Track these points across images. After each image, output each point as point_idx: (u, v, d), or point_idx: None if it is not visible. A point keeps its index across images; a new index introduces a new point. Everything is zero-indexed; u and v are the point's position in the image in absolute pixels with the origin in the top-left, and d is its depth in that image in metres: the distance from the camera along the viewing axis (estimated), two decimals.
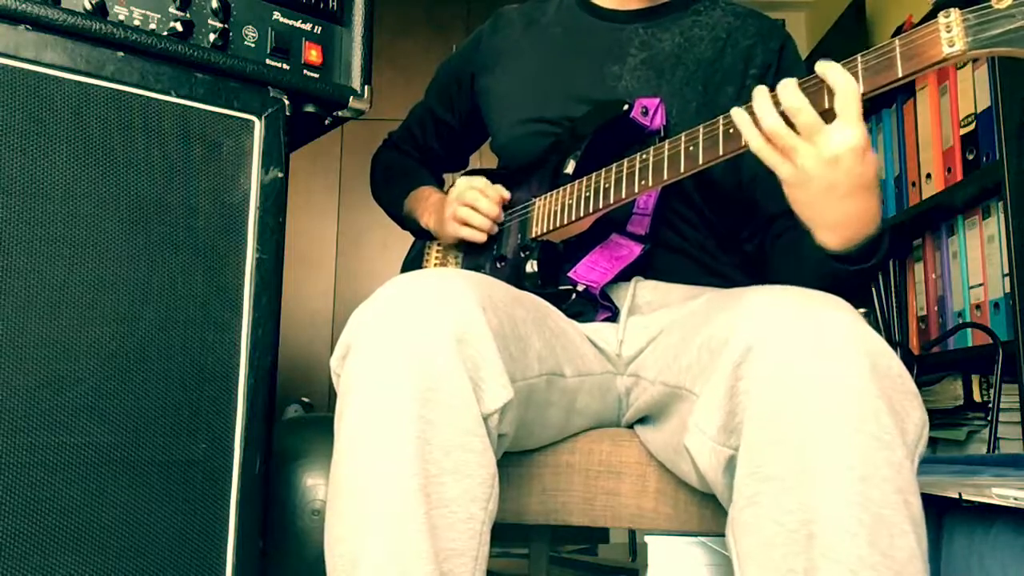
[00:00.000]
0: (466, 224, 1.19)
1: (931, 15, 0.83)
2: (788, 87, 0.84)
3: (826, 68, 0.83)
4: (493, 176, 1.27)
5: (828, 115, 0.83)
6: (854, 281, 0.92)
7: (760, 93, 0.86)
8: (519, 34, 1.29)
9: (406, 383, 0.76)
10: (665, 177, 0.98)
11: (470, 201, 1.18)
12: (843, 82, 0.81)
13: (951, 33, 0.78)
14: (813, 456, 0.71)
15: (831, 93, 0.82)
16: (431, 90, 1.43)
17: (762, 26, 1.19)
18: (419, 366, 0.77)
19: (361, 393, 0.78)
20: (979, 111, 1.78)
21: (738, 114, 0.88)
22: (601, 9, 1.25)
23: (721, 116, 0.93)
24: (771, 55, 1.16)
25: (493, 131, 1.30)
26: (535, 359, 0.91)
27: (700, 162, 0.94)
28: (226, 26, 0.99)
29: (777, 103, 0.85)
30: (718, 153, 0.92)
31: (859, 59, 0.83)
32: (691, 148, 0.95)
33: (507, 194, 1.19)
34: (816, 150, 0.83)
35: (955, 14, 0.78)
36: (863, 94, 0.82)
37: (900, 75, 0.80)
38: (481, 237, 1.19)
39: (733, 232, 1.17)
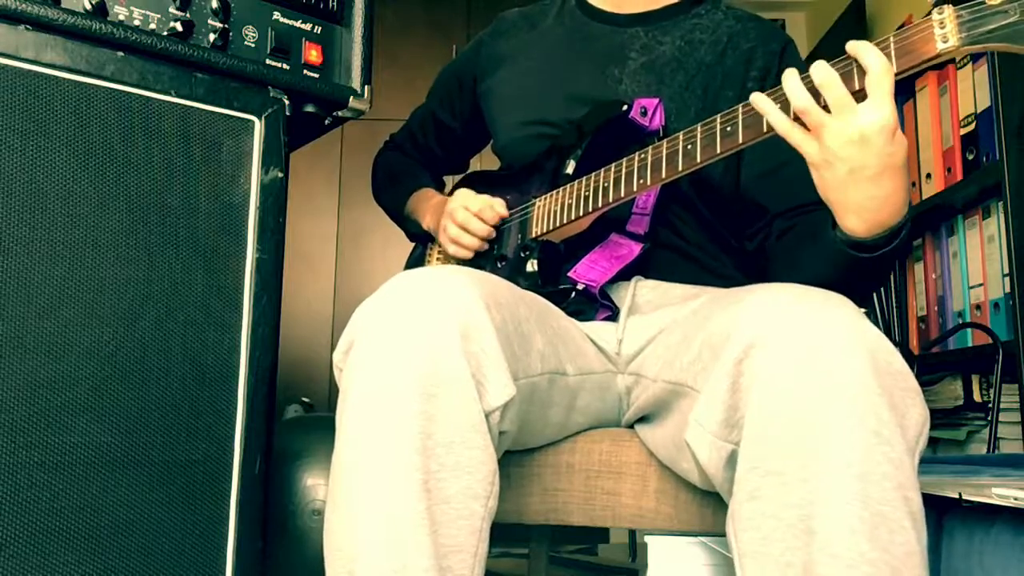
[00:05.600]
0: (455, 242, 1.20)
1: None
2: (820, 65, 0.82)
3: (858, 48, 0.81)
4: (494, 177, 1.27)
5: (857, 96, 0.82)
6: (870, 270, 0.91)
7: (790, 74, 0.84)
8: (520, 37, 1.30)
9: (409, 379, 0.76)
10: (663, 176, 0.98)
11: (462, 222, 1.18)
12: (876, 61, 0.80)
13: (945, 29, 0.78)
14: (814, 452, 0.71)
15: (862, 73, 0.81)
16: (433, 93, 1.43)
17: (763, 30, 1.19)
18: (422, 362, 0.77)
19: (364, 388, 0.78)
20: (979, 111, 1.78)
21: (759, 98, 0.87)
22: (602, 12, 1.25)
23: (718, 115, 0.93)
24: (771, 58, 1.16)
25: (494, 132, 1.30)
26: (537, 357, 0.91)
27: (698, 160, 0.94)
28: (226, 26, 0.99)
29: (806, 82, 0.83)
30: (716, 151, 0.92)
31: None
32: (689, 147, 0.95)
33: (505, 212, 1.19)
34: (844, 128, 0.81)
35: (948, 10, 0.78)
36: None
37: (895, 71, 0.81)
38: (467, 255, 1.20)
39: (733, 233, 1.18)
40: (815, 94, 0.83)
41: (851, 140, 0.81)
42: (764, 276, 1.14)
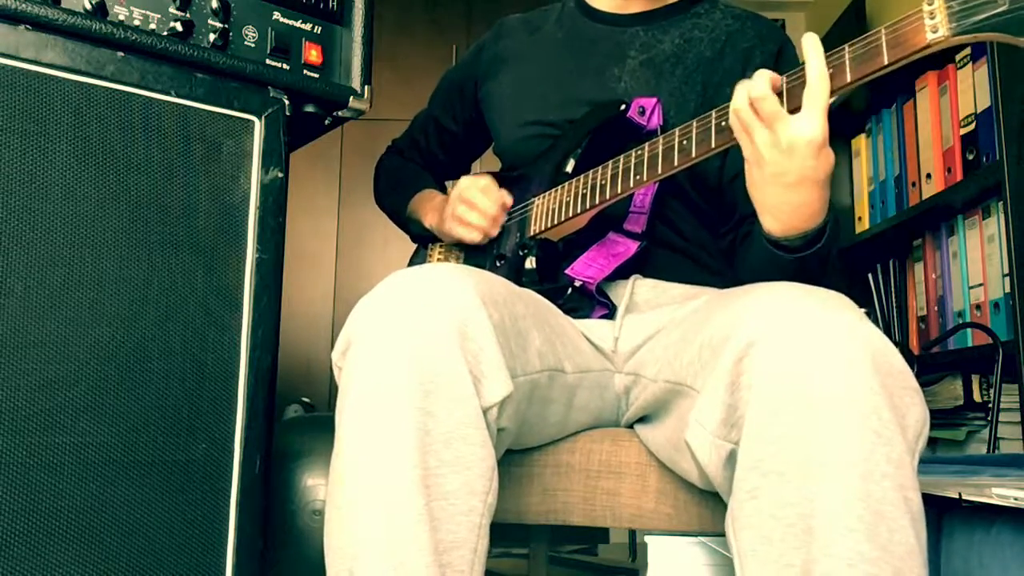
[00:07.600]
0: (462, 222, 1.19)
1: None
2: (761, 76, 0.86)
3: (808, 52, 0.84)
4: (496, 179, 1.27)
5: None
6: (794, 271, 0.93)
7: (756, 77, 0.88)
8: (522, 41, 1.30)
9: (407, 376, 0.76)
10: (659, 171, 0.98)
11: (469, 199, 1.18)
12: (813, 74, 0.83)
13: (935, 20, 0.79)
14: (813, 451, 0.71)
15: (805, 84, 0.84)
16: (434, 98, 1.44)
17: (761, 29, 1.20)
18: (420, 359, 0.77)
19: (362, 385, 0.78)
20: (979, 111, 1.78)
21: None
22: (602, 13, 1.25)
23: (713, 110, 0.93)
24: (769, 57, 1.16)
25: (496, 134, 1.31)
26: (535, 355, 0.91)
27: (693, 155, 0.95)
28: (226, 26, 0.99)
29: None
30: (710, 146, 0.93)
31: (847, 49, 0.84)
32: (684, 142, 0.95)
33: (509, 200, 1.19)
34: (774, 136, 0.85)
35: (938, 1, 0.79)
36: (850, 83, 0.83)
37: (887, 62, 0.81)
38: (476, 237, 1.19)
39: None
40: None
41: (778, 147, 0.85)
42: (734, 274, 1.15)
